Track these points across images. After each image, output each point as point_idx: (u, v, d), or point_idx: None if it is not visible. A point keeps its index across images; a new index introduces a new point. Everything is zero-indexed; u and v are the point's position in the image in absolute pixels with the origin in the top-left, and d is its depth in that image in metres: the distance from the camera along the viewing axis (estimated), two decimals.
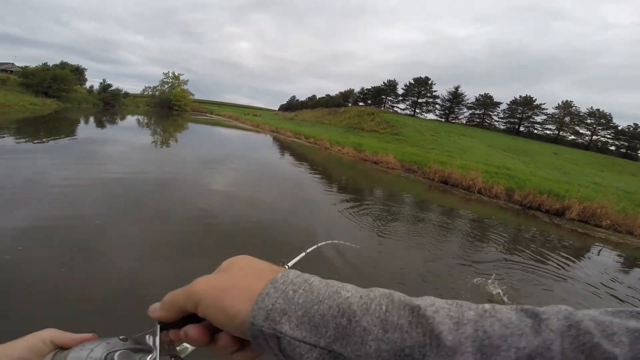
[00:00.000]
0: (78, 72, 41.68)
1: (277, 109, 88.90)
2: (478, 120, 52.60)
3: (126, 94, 45.34)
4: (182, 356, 0.43)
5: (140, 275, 3.29)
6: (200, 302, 0.31)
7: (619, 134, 44.61)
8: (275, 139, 25.99)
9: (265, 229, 5.29)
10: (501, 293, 4.28)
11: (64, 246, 3.58)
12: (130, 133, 16.54)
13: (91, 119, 20.63)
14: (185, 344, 0.49)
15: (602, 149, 43.75)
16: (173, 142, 15.52)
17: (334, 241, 3.05)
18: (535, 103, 48.60)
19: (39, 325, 0.48)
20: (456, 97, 52.73)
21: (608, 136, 45.80)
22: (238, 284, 0.32)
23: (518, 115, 49.65)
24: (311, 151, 20.51)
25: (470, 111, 53.44)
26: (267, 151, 18.78)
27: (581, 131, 47.04)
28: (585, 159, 28.97)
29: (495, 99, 51.44)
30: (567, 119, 47.00)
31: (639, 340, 0.23)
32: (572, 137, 47.32)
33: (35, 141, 10.05)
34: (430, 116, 54.09)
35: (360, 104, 55.04)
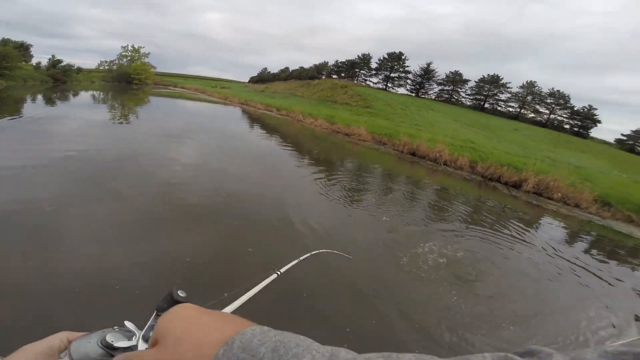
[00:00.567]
0: (23, 49, 37.24)
1: (247, 81, 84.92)
2: (447, 96, 53.69)
3: (79, 69, 42.12)
4: None
5: (104, 261, 3.05)
6: None
7: (574, 113, 47.56)
8: (245, 112, 25.01)
9: (235, 205, 5.10)
10: (459, 255, 4.49)
11: (19, 237, 3.25)
12: (84, 109, 15.08)
13: (39, 97, 18.44)
14: None
15: (558, 127, 46.64)
16: (133, 117, 14.43)
17: (329, 250, 2.92)
18: (501, 82, 50.24)
19: None
20: (427, 73, 53.10)
21: (564, 115, 48.70)
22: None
23: (484, 93, 51.21)
24: (283, 123, 20.00)
25: (440, 87, 54.31)
26: (235, 124, 18.05)
27: (541, 110, 49.62)
28: (542, 135, 30.81)
29: (465, 77, 52.53)
30: (529, 97, 49.20)
31: None
32: (532, 115, 49.81)
33: None
34: (402, 90, 54.33)
35: (334, 76, 53.94)
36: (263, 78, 69.64)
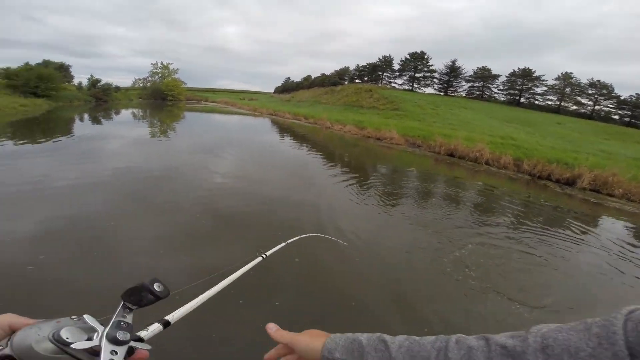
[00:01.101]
0: (63, 69, 39.16)
1: (272, 91, 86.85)
2: (478, 92, 51.51)
3: (117, 88, 43.66)
4: (145, 339, 0.47)
5: (157, 269, 3.19)
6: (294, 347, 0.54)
7: (621, 103, 43.70)
8: (274, 122, 25.41)
9: (274, 213, 5.13)
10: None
11: (80, 249, 3.46)
12: (128, 127, 16.00)
13: (86, 116, 19.90)
14: (150, 329, 0.50)
15: (605, 118, 43.03)
16: (172, 133, 15.11)
17: (319, 234, 2.82)
18: (534, 75, 47.48)
19: None
20: (454, 70, 51.29)
21: (611, 106, 44.90)
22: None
23: (518, 87, 48.60)
24: (312, 131, 20.05)
25: (469, 84, 52.27)
26: (268, 135, 18.32)
27: (583, 101, 46.16)
28: (589, 127, 28.53)
29: (494, 72, 50.22)
30: (567, 89, 46.06)
31: None
32: (575, 107, 46.39)
33: (34, 142, 9.94)
34: (429, 90, 52.87)
35: (357, 81, 53.70)
36: (287, 87, 70.82)
